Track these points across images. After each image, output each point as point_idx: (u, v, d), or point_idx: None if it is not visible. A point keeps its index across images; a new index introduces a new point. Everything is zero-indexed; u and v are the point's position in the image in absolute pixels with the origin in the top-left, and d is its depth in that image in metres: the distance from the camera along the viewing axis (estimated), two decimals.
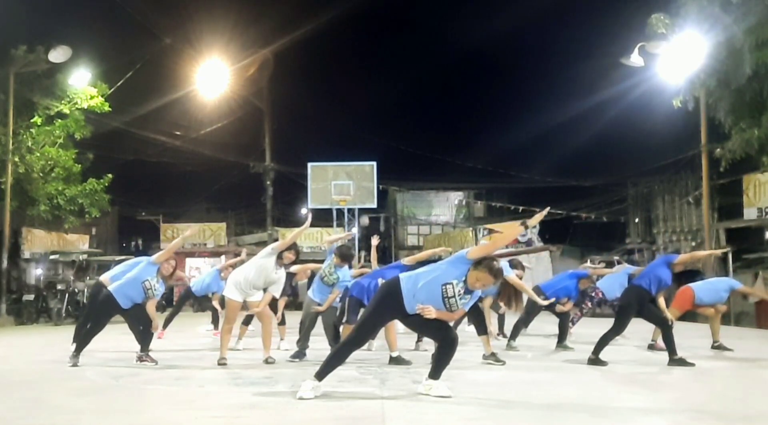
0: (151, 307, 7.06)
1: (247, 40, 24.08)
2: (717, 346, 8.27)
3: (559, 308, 8.69)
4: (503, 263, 7.45)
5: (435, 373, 5.03)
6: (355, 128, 34.47)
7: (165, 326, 10.25)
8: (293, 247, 7.01)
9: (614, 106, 21.76)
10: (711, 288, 8.45)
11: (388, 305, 4.96)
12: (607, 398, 5.16)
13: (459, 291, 4.77)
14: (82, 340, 7.09)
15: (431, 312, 4.76)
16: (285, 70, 29.47)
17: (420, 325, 5.15)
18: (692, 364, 6.71)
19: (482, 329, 7.17)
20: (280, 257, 6.89)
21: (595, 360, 6.85)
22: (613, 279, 10.02)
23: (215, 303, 10.53)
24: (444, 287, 4.77)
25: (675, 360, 6.79)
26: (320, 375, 4.92)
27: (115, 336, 8.39)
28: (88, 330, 7.18)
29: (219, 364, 6.82)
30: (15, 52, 16.54)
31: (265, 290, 7.07)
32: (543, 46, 43.78)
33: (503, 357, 7.20)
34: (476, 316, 7.25)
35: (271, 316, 7.40)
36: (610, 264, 18.26)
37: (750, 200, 16.76)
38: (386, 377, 6.08)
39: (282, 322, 8.91)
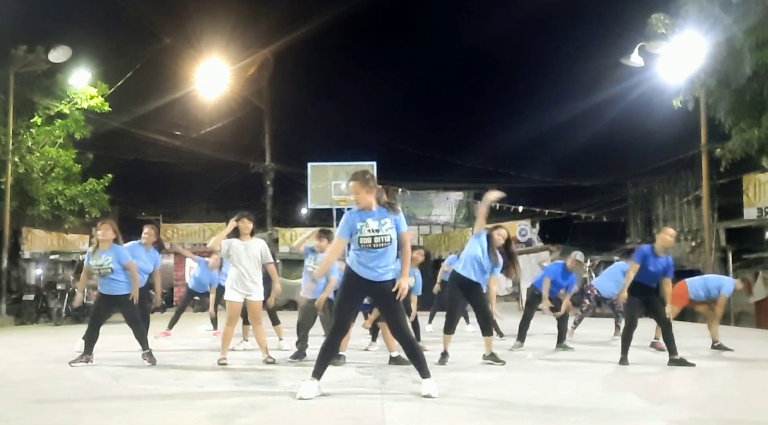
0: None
1: (247, 40, 24.11)
2: (717, 346, 8.27)
3: (557, 314, 8.66)
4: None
5: (421, 372, 5.05)
6: (355, 128, 34.51)
7: (170, 326, 10.31)
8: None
9: (614, 106, 21.82)
10: (704, 285, 8.52)
11: (351, 283, 5.04)
12: (607, 398, 5.16)
13: (373, 227, 4.89)
14: (88, 340, 7.05)
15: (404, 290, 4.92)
16: (285, 70, 29.53)
17: (383, 306, 5.31)
18: (692, 364, 6.71)
19: (488, 330, 7.15)
20: None
21: (623, 360, 6.84)
22: (607, 277, 10.12)
23: (212, 296, 10.73)
24: (360, 226, 4.93)
25: (675, 360, 6.79)
26: (317, 373, 4.96)
27: (116, 336, 8.39)
28: (88, 328, 7.15)
29: (219, 364, 6.83)
30: (15, 52, 16.55)
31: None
32: (543, 46, 43.85)
33: (503, 357, 7.19)
34: (483, 317, 7.22)
35: (260, 318, 7.41)
36: (610, 264, 18.27)
37: (750, 200, 16.77)
38: (386, 377, 6.08)
39: (277, 322, 8.90)
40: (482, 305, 7.13)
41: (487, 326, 7.17)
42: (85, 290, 15.08)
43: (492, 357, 6.95)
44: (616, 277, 9.76)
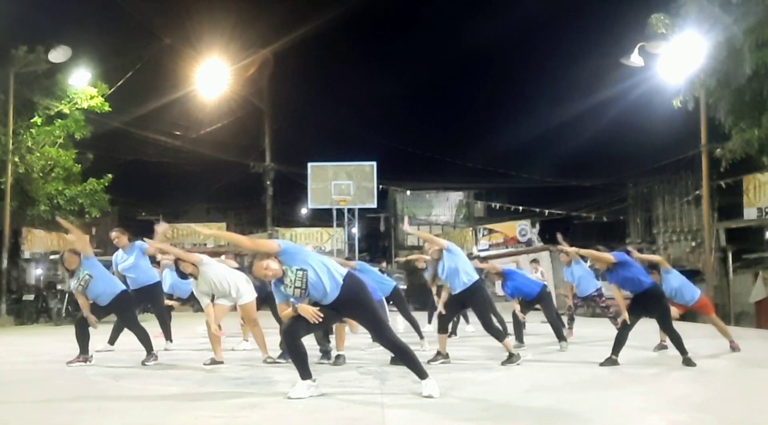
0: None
1: (247, 40, 24.15)
2: (733, 347, 8.05)
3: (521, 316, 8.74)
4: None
5: (418, 374, 5.06)
6: (355, 128, 34.60)
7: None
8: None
9: (614, 106, 21.85)
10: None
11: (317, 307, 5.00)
12: (606, 398, 5.16)
13: (288, 281, 4.88)
14: (80, 341, 7.04)
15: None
16: (285, 70, 29.62)
17: (355, 318, 5.34)
18: (694, 364, 6.70)
19: (498, 336, 7.15)
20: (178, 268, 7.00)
21: (610, 360, 6.81)
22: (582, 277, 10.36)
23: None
24: (284, 290, 4.98)
25: (686, 360, 6.78)
26: (302, 375, 4.98)
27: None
28: (76, 329, 7.13)
29: (211, 363, 6.87)
30: (15, 52, 16.55)
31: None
32: (543, 46, 43.84)
33: (503, 357, 7.18)
34: (487, 323, 7.21)
35: (255, 319, 7.42)
36: None
37: (750, 200, 16.78)
38: (386, 377, 6.08)
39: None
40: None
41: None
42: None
43: (510, 359, 6.91)
44: (586, 272, 10.14)
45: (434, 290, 10.63)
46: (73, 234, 7.35)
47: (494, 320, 7.39)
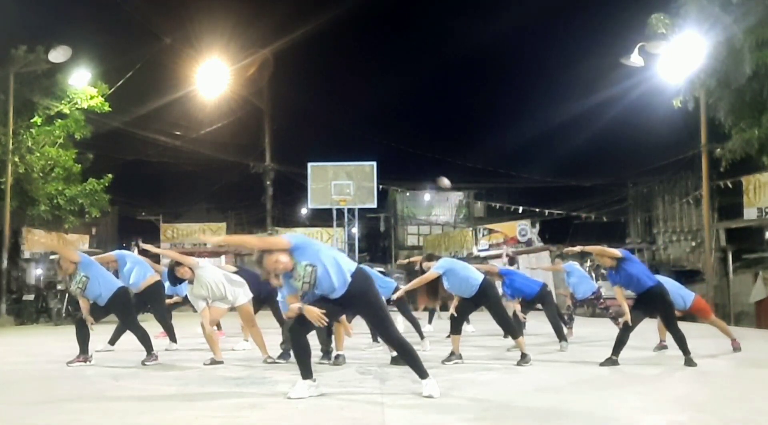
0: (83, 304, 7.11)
1: (247, 40, 24.19)
2: (736, 348, 8.00)
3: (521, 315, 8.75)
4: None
5: (418, 373, 5.06)
6: (355, 128, 34.65)
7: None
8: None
9: (614, 106, 21.85)
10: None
11: (323, 300, 5.00)
12: (606, 398, 5.16)
13: (297, 276, 4.87)
14: (80, 340, 7.05)
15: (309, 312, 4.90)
16: (285, 70, 29.63)
17: (361, 314, 5.32)
18: (695, 364, 6.70)
19: (514, 333, 7.17)
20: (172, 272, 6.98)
21: (610, 360, 6.79)
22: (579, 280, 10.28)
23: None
24: (293, 283, 4.96)
25: (688, 360, 6.77)
26: (304, 374, 4.98)
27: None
28: (76, 328, 7.15)
29: (211, 364, 6.88)
30: (15, 52, 16.56)
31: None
32: (543, 46, 43.85)
33: (506, 357, 7.18)
34: (503, 320, 7.22)
35: (252, 320, 7.42)
36: None
37: (750, 200, 16.77)
38: (386, 377, 6.08)
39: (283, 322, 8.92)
40: (497, 310, 7.13)
41: (509, 329, 7.22)
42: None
43: (522, 359, 6.90)
44: (581, 277, 10.17)
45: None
46: (56, 249, 7.50)
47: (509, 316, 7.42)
